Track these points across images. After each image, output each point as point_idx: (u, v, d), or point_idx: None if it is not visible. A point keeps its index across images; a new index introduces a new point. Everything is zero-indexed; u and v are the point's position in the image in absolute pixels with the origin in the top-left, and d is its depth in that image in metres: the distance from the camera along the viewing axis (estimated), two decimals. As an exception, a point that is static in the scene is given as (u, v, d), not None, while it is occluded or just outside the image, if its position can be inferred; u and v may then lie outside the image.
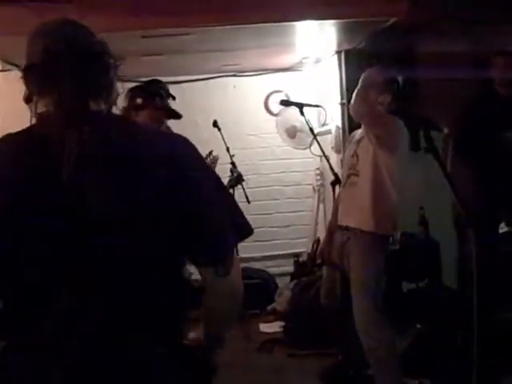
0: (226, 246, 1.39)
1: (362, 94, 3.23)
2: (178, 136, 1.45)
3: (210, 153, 4.08)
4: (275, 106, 5.35)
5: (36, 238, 1.22)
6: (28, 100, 1.32)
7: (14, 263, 1.23)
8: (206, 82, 5.63)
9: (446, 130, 3.17)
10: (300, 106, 3.77)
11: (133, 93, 3.39)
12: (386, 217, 3.24)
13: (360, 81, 3.29)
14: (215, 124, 4.73)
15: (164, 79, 4.97)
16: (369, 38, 4.07)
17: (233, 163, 4.78)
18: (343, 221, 3.38)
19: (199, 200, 1.34)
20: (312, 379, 3.70)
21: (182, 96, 4.78)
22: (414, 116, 3.25)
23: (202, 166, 1.42)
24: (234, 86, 5.69)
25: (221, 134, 4.73)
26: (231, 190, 4.56)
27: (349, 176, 3.36)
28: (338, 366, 3.65)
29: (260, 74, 5.65)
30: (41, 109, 1.30)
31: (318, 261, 3.87)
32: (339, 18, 3.71)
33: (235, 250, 1.43)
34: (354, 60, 4.38)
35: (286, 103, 4.01)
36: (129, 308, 1.27)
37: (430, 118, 3.43)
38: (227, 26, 3.81)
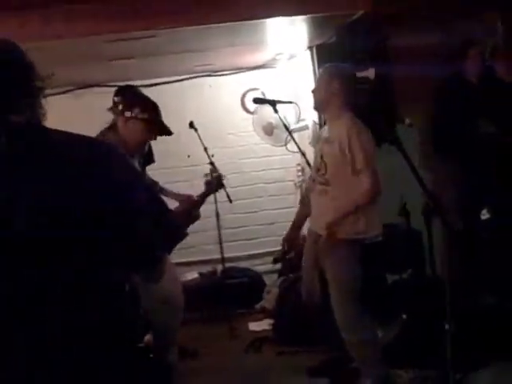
0: (152, 257, 1.44)
1: (322, 86, 3.26)
2: (105, 143, 1.47)
3: (210, 173, 4.00)
4: (252, 104, 5.33)
5: None
6: None
7: None
8: (181, 83, 5.59)
9: (407, 121, 3.17)
10: (272, 103, 3.77)
11: (124, 101, 3.29)
12: (362, 223, 3.20)
13: (320, 74, 3.31)
14: (191, 125, 4.71)
15: (138, 83, 4.99)
16: (338, 33, 4.05)
17: (212, 163, 4.75)
18: (314, 227, 3.40)
19: (123, 211, 1.36)
20: (301, 376, 3.70)
21: (158, 98, 4.72)
22: (377, 109, 3.26)
23: (129, 174, 1.43)
24: (210, 86, 5.66)
25: (198, 134, 4.71)
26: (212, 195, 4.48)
27: (316, 181, 3.33)
28: (325, 362, 3.65)
29: (235, 73, 5.62)
30: None
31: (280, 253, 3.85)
32: (307, 13, 3.70)
33: (166, 257, 1.46)
34: (325, 54, 4.36)
35: (258, 101, 4.00)
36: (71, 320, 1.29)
37: (390, 109, 3.43)
38: (195, 26, 3.79)
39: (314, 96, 3.39)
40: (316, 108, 3.47)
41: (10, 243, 1.24)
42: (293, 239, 3.62)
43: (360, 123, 3.23)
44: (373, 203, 3.17)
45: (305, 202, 3.64)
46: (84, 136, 1.42)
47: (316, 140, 3.55)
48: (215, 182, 3.95)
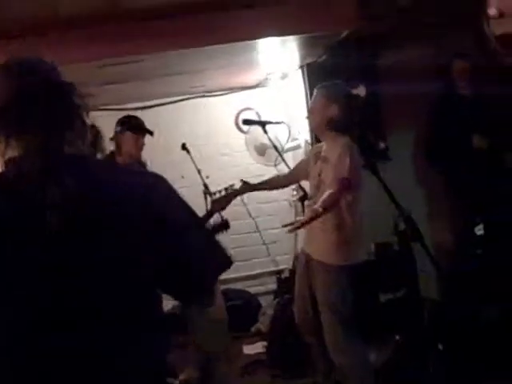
0: (207, 283, 1.42)
1: (319, 110, 3.25)
2: (152, 175, 1.47)
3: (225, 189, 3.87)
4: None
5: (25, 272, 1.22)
6: None
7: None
8: (175, 104, 5.59)
9: (381, 145, 3.15)
10: (262, 123, 3.75)
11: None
12: (348, 249, 3.19)
13: (317, 95, 3.29)
14: (184, 147, 4.71)
15: (132, 105, 5.00)
16: (328, 51, 4.05)
17: (205, 185, 4.73)
18: (307, 248, 3.39)
19: (178, 240, 1.34)
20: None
21: (153, 120, 4.76)
22: (365, 128, 3.23)
23: (179, 203, 1.41)
24: (204, 106, 5.66)
25: (190, 156, 4.70)
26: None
27: (312, 201, 3.30)
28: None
29: (228, 93, 5.63)
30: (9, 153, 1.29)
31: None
32: (294, 33, 3.69)
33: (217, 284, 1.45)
34: (316, 73, 4.36)
35: (248, 122, 3.99)
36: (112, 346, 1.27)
37: (377, 128, 3.42)
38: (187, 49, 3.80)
39: (311, 118, 3.37)
40: (313, 130, 3.47)
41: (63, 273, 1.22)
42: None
43: (354, 148, 3.16)
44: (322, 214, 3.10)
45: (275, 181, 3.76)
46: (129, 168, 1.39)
47: (313, 158, 3.48)
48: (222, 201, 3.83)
